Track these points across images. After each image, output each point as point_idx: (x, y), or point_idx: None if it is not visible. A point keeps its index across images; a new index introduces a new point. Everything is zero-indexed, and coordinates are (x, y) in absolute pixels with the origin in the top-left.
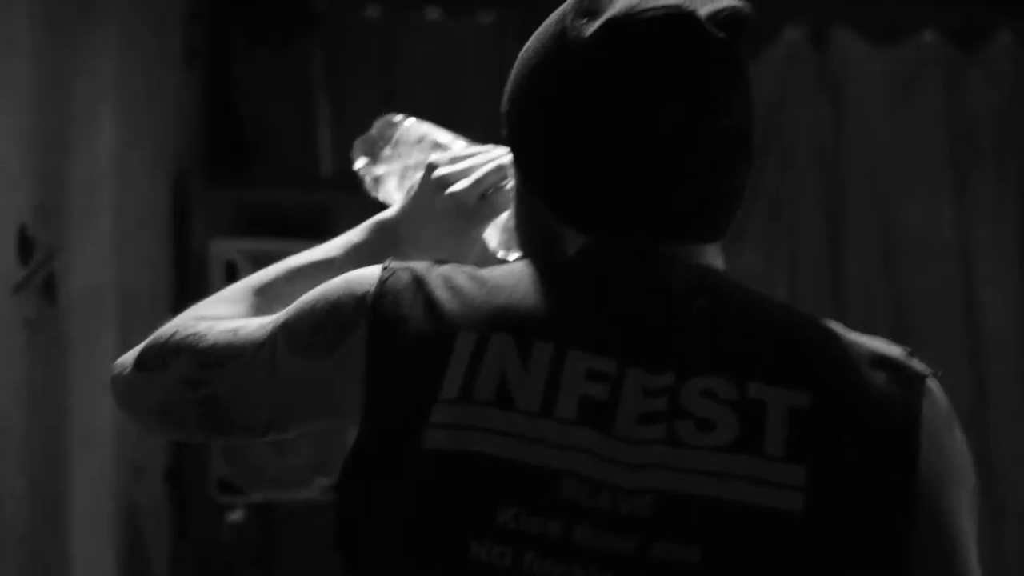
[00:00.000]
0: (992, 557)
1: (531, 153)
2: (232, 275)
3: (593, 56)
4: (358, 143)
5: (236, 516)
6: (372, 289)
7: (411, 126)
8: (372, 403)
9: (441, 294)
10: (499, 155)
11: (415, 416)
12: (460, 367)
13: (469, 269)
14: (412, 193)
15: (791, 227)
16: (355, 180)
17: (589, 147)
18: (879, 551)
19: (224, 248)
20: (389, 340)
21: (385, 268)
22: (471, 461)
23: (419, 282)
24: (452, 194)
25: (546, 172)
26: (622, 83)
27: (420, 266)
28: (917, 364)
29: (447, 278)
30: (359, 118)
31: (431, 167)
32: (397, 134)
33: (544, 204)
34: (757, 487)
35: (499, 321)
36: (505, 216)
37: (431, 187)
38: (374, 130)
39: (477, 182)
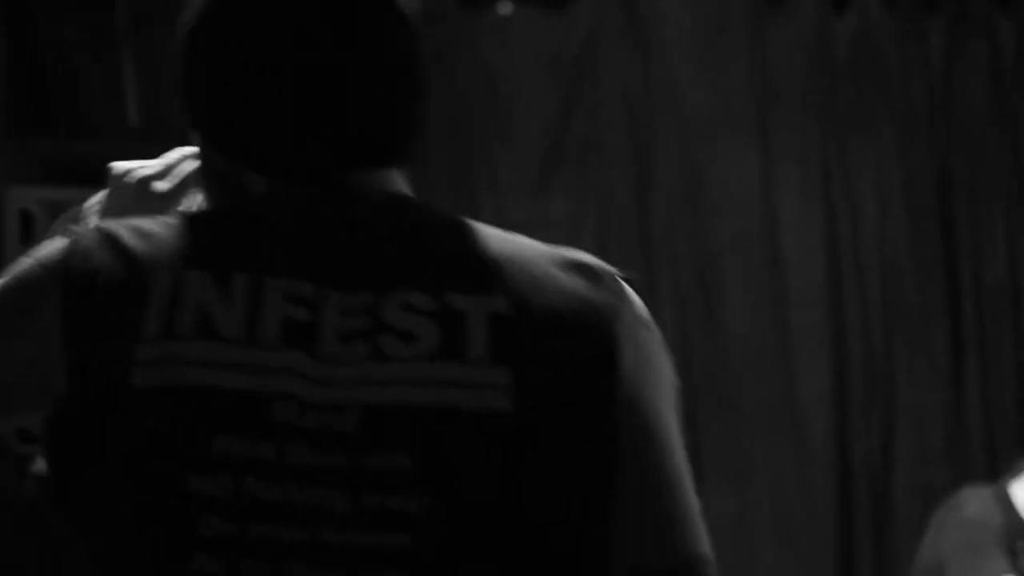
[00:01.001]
0: (802, 498)
1: (200, 106)
2: (27, 224)
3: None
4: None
5: (40, 467)
6: (61, 255)
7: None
8: (75, 358)
9: (132, 242)
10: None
11: (120, 360)
12: (159, 306)
13: (160, 217)
14: (103, 195)
15: (599, 175)
16: (163, 131)
17: (250, 90)
18: (586, 448)
19: (19, 197)
20: (84, 296)
21: (71, 233)
22: (180, 394)
23: (108, 236)
24: (141, 178)
25: (215, 121)
26: (271, 21)
27: (108, 223)
28: (610, 267)
29: (136, 227)
30: (166, 68)
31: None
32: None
33: (222, 156)
34: (464, 391)
35: (193, 259)
36: (198, 192)
37: (117, 179)
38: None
39: (165, 164)
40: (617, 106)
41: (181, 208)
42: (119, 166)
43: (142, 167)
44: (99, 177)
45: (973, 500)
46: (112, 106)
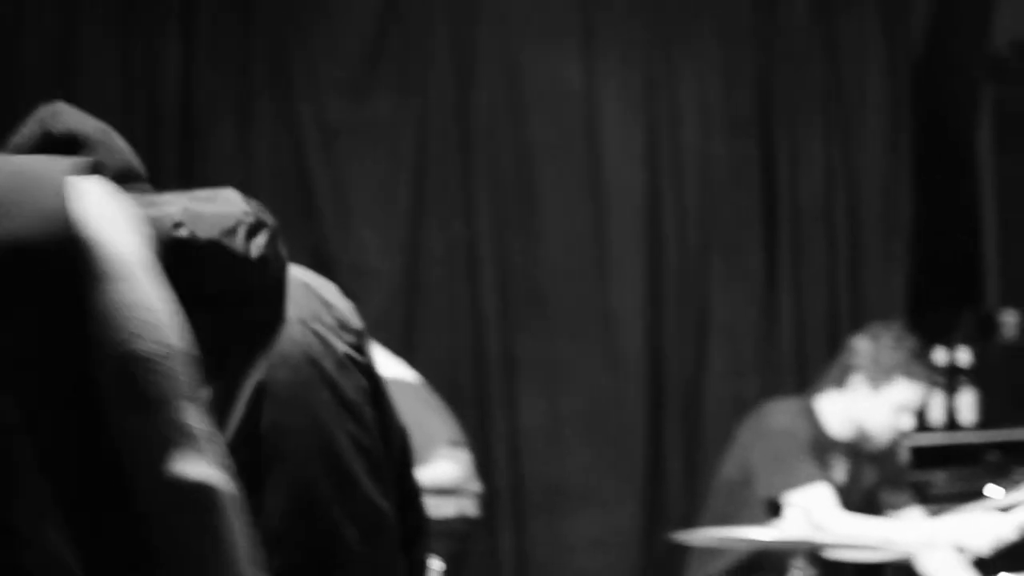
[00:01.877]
0: (614, 406)
1: None
2: None
3: None
4: None
5: None
6: None
7: None
8: None
9: None
10: None
11: None
12: None
13: None
14: None
15: (420, 76)
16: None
17: None
18: (61, 268)
19: None
20: None
21: None
22: None
23: None
24: None
25: None
26: None
27: None
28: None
29: None
30: None
31: None
32: None
33: None
34: None
35: None
36: None
37: None
38: None
39: None
40: (439, 6)
41: None
42: None
43: None
44: None
45: (779, 412)
46: None
